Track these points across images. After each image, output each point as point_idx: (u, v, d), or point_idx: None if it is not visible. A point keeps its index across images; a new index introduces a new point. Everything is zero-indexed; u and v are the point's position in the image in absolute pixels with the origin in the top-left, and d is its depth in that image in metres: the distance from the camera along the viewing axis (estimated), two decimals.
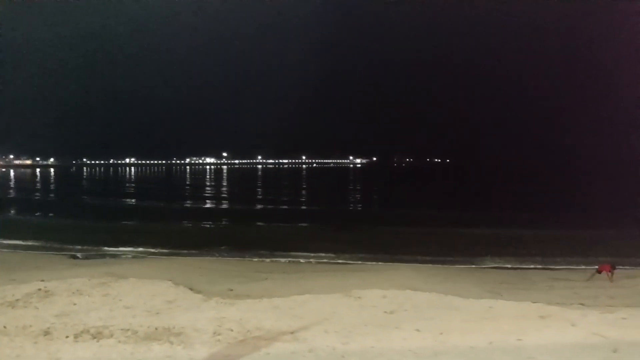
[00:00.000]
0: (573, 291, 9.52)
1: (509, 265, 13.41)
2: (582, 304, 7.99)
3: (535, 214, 25.96)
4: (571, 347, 5.71)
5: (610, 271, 10.51)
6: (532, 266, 13.25)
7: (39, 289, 8.15)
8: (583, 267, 12.47)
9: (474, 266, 13.43)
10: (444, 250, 15.60)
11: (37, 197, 47.33)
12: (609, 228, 19.85)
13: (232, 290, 9.01)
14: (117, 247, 16.35)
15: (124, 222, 25.90)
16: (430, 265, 13.36)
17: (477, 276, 11.39)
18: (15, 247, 16.25)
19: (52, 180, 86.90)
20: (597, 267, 10.86)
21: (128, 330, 6.14)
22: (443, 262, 13.74)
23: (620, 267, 11.25)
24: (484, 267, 13.23)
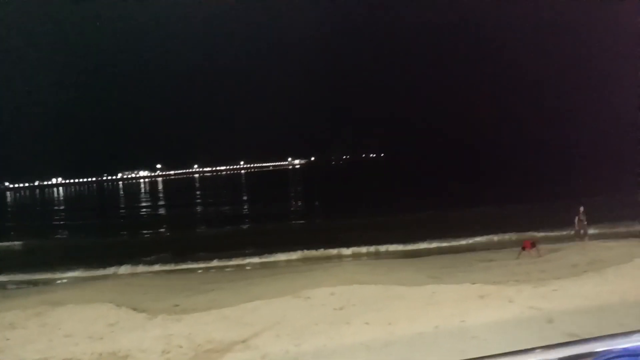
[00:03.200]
0: (507, 269, 10.09)
1: (445, 246, 14.09)
2: (517, 281, 8.48)
3: (459, 198, 27.43)
4: (510, 322, 6.07)
5: (531, 247, 11.28)
6: (466, 250, 13.99)
7: None
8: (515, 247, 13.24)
9: (415, 257, 13.88)
10: (383, 240, 15.97)
11: None
12: (531, 204, 21.29)
13: (178, 305, 8.78)
14: (50, 271, 15.42)
15: (55, 244, 24.44)
16: (373, 258, 13.70)
17: (418, 264, 11.80)
18: None
19: None
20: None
21: (71, 359, 5.86)
22: (385, 253, 14.17)
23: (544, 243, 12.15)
24: (424, 256, 13.71)
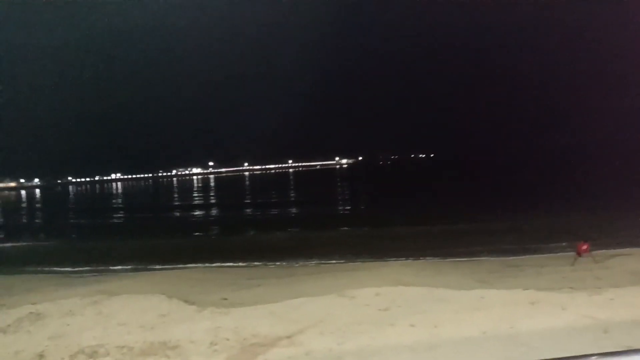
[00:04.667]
0: (561, 275, 9.69)
1: (497, 255, 13.63)
2: (571, 288, 8.13)
3: (516, 204, 26.33)
4: (563, 330, 5.83)
5: (586, 252, 10.72)
6: (519, 255, 13.48)
7: (30, 312, 8.06)
8: (570, 251, 12.70)
9: (464, 259, 13.59)
10: (432, 245, 15.76)
11: (24, 220, 46.71)
12: (587, 213, 20.27)
13: (226, 299, 9.00)
14: (108, 264, 16.22)
15: (114, 239, 25.66)
16: (421, 260, 13.50)
17: (466, 267, 11.53)
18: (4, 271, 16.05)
19: (38, 201, 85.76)
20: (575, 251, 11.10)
21: (123, 347, 6.13)
22: (431, 256, 13.90)
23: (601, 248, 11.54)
24: (473, 259, 13.39)
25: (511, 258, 12.87)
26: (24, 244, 27.03)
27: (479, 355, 5.39)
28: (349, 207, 37.72)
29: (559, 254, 12.54)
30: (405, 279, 9.49)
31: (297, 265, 14.52)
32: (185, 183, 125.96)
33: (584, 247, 10.95)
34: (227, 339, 6.21)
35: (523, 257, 12.98)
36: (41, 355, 6.01)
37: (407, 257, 14.24)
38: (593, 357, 0.98)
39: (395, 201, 36.10)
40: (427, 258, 13.78)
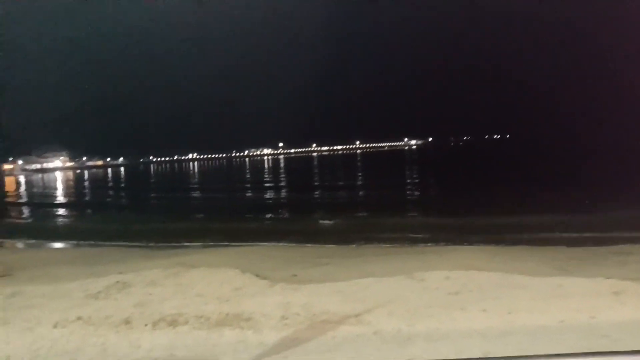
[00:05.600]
0: None
1: (578, 244, 12.85)
2: None
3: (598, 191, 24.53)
4: None
5: None
6: (603, 244, 12.63)
7: (117, 282, 8.70)
8: None
9: (542, 246, 12.97)
10: (507, 231, 15.17)
11: (110, 197, 50.25)
12: None
13: (296, 275, 9.23)
14: (188, 239, 17.12)
15: (193, 216, 26.96)
16: (494, 245, 13.05)
17: (543, 254, 11.02)
18: (93, 242, 17.45)
19: (123, 179, 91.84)
20: None
21: (201, 317, 6.48)
22: (506, 243, 13.37)
23: None
24: (551, 245, 12.76)
25: (594, 247, 12.13)
26: (109, 215, 29.22)
27: (555, 345, 5.17)
28: (417, 193, 36.80)
29: None
30: (477, 263, 9.24)
31: (365, 246, 14.57)
32: (257, 163, 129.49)
33: None
34: (298, 314, 6.39)
35: (607, 246, 12.18)
36: (127, 321, 6.50)
37: (479, 243, 13.85)
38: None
39: (466, 186, 34.94)
40: (502, 245, 13.27)
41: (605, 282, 7.18)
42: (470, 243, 13.63)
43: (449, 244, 13.66)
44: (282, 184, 52.73)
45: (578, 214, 17.44)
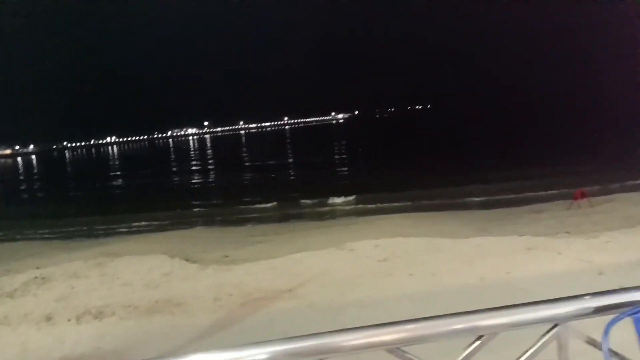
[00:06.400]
0: (558, 221, 9.82)
1: (497, 206, 13.70)
2: (567, 233, 8.26)
3: (513, 155, 26.30)
4: (558, 274, 5.95)
5: (582, 198, 10.87)
6: (519, 204, 13.59)
7: (36, 277, 8.18)
8: (567, 199, 12.82)
9: (463, 210, 13.71)
10: (430, 197, 15.88)
11: (21, 188, 46.71)
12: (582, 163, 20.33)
13: (227, 256, 9.13)
14: (111, 228, 16.37)
15: (114, 206, 25.67)
16: (419, 212, 13.62)
17: (464, 217, 11.68)
18: (7, 238, 16.22)
19: (35, 169, 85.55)
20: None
21: (129, 306, 6.25)
22: (430, 209, 13.99)
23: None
24: (472, 210, 13.53)
25: (510, 208, 12.99)
26: (24, 213, 27.22)
27: (477, 301, 5.51)
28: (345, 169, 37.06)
29: (556, 202, 12.66)
30: (403, 230, 9.61)
31: (298, 222, 14.69)
32: (182, 144, 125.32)
33: (581, 193, 11.09)
34: (231, 295, 6.33)
35: (522, 206, 13.10)
36: (49, 317, 6.14)
37: (405, 211, 14.35)
38: (587, 297, 1.01)
39: (391, 157, 36.00)
40: (427, 211, 13.87)
41: (519, 239, 7.74)
42: (398, 211, 14.14)
43: (378, 214, 14.07)
44: (210, 166, 51.40)
45: (495, 178, 18.57)
